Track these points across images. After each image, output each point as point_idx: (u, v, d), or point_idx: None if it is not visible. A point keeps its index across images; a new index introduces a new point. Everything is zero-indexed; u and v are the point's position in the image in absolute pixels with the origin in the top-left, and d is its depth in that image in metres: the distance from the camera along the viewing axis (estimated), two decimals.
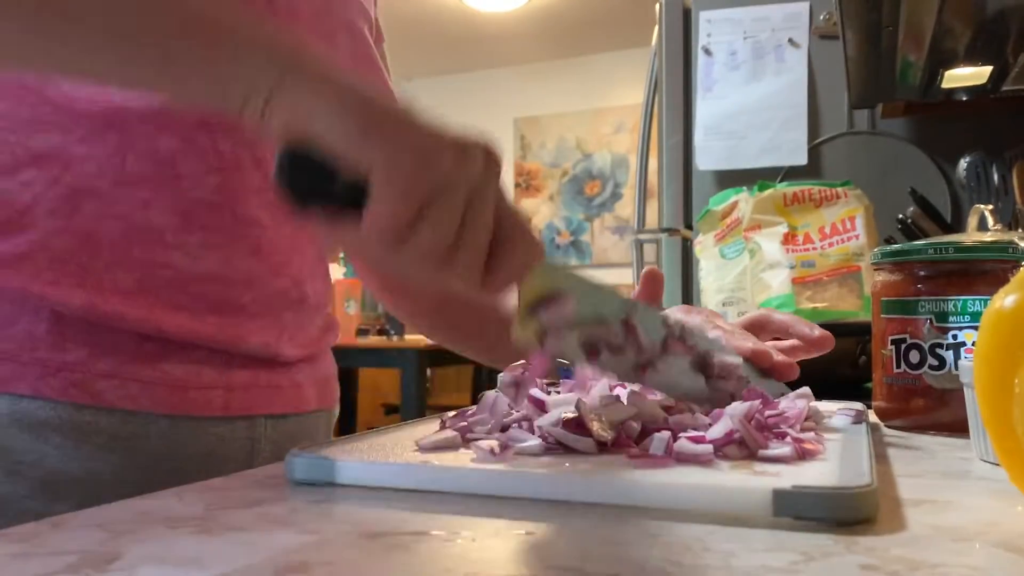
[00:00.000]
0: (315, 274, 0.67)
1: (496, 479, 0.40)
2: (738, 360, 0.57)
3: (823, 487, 0.35)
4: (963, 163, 1.54)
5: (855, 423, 0.56)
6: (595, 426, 0.46)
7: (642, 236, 1.94)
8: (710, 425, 0.46)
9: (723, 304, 1.31)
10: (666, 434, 0.44)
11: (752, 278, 1.28)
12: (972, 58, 1.29)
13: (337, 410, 0.76)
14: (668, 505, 0.37)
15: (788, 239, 1.26)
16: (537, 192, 5.18)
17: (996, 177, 1.46)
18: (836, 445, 0.48)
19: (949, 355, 0.60)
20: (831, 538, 0.32)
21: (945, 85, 1.39)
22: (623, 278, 4.25)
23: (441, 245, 0.39)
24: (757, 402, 0.49)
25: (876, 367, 0.66)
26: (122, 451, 0.55)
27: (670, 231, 1.77)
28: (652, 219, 1.92)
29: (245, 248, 0.60)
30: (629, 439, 0.47)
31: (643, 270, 0.68)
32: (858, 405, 0.62)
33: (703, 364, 0.56)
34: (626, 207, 4.92)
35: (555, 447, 0.45)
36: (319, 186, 0.39)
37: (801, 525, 0.34)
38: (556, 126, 5.14)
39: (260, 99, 0.39)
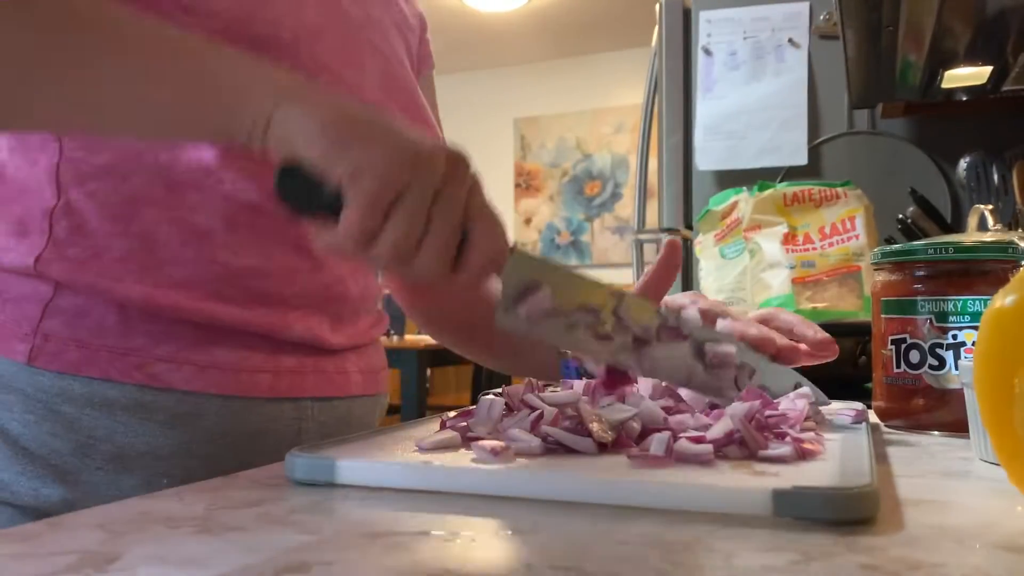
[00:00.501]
0: (357, 271, 0.72)
1: (496, 479, 0.40)
2: (732, 348, 0.57)
3: (823, 487, 0.35)
4: (963, 163, 1.54)
5: (855, 423, 0.56)
6: (595, 427, 0.46)
7: (642, 236, 1.94)
8: (710, 425, 0.46)
9: None
10: (666, 434, 0.44)
11: (752, 278, 1.28)
12: (972, 58, 1.29)
13: (386, 398, 0.81)
14: (668, 506, 0.37)
15: (788, 239, 1.26)
16: (537, 192, 5.18)
17: (996, 177, 1.46)
18: (836, 445, 0.48)
19: (949, 355, 0.60)
20: (831, 538, 0.32)
21: (945, 85, 1.39)
22: (623, 278, 4.25)
23: (405, 242, 0.45)
24: (757, 402, 0.49)
25: (876, 367, 0.66)
26: (181, 428, 0.61)
27: (670, 231, 1.77)
28: (652, 219, 1.92)
29: (285, 246, 0.65)
30: (629, 439, 0.47)
31: (665, 240, 0.70)
32: (858, 405, 0.62)
33: (699, 353, 0.56)
34: (626, 207, 4.92)
35: (555, 447, 0.45)
36: (309, 195, 0.46)
37: (801, 525, 0.34)
38: (556, 126, 5.14)
39: (260, 128, 0.47)
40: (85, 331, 0.59)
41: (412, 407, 3.45)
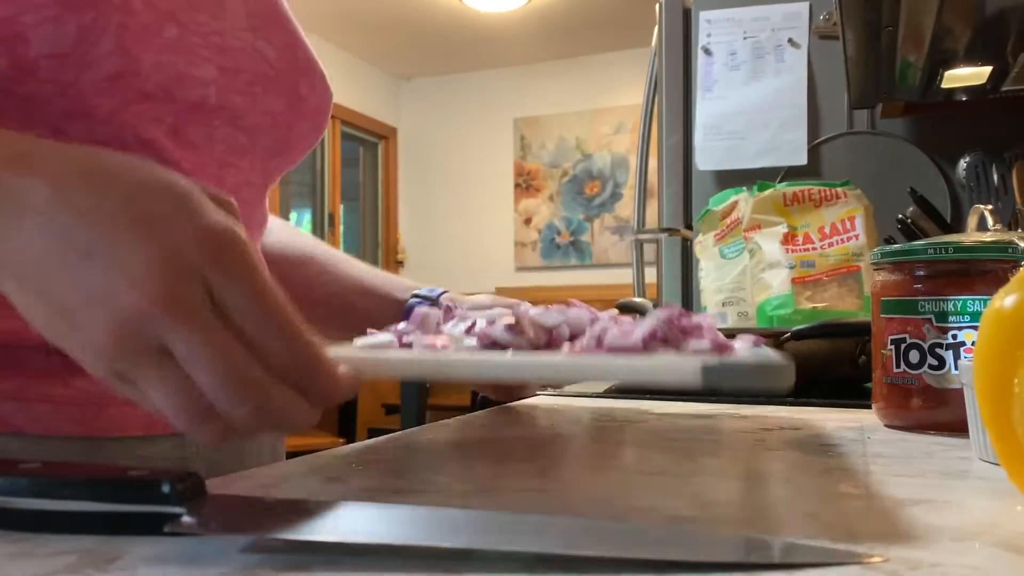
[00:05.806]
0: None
1: (443, 363, 0.44)
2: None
3: (747, 362, 0.40)
4: (963, 163, 1.54)
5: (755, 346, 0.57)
6: (530, 330, 0.46)
7: (642, 236, 1.94)
8: (632, 331, 0.48)
9: (723, 304, 1.31)
10: (597, 328, 0.46)
11: (752, 278, 1.28)
12: (971, 58, 1.29)
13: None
14: (606, 380, 0.39)
15: (788, 239, 1.26)
16: (537, 192, 5.18)
17: (996, 177, 1.46)
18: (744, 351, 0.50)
19: (949, 355, 0.60)
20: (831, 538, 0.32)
21: (945, 85, 1.39)
22: (623, 278, 4.25)
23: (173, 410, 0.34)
24: (677, 310, 0.50)
25: (876, 367, 0.66)
26: None
27: (670, 231, 1.78)
28: (652, 219, 1.92)
29: None
30: (560, 341, 0.48)
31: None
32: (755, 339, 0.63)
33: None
34: (626, 207, 4.92)
35: (492, 348, 0.46)
36: None
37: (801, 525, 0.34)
38: (556, 126, 5.14)
39: None
40: None
41: (412, 407, 3.45)
